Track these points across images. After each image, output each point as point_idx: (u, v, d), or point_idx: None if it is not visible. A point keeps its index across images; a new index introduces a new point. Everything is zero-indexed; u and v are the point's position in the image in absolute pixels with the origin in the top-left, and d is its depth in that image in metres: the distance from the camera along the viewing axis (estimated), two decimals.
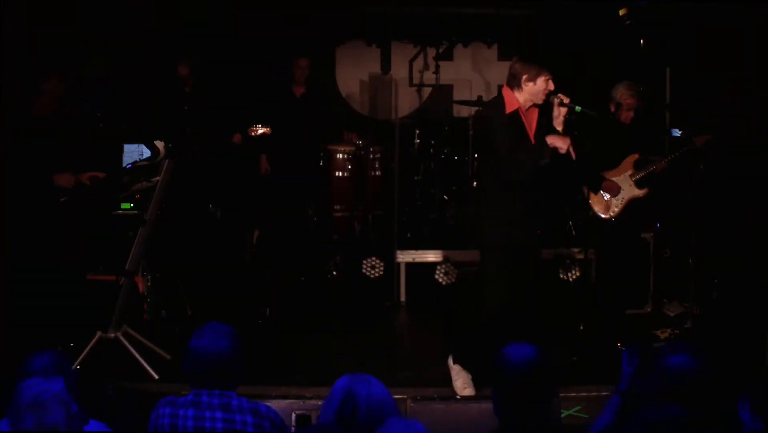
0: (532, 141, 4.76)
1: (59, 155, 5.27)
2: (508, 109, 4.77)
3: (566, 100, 4.70)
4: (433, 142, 7.96)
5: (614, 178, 5.55)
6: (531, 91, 4.76)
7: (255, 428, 3.00)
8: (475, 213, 5.15)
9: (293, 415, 4.08)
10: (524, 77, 4.74)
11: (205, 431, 2.96)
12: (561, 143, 4.64)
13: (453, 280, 6.79)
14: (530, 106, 4.81)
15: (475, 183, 7.56)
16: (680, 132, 6.05)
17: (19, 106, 5.32)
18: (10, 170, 5.12)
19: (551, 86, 4.76)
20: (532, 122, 4.82)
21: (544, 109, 4.84)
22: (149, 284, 6.03)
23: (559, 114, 4.74)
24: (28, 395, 2.62)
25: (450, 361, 4.83)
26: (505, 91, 4.82)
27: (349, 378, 2.77)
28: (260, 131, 6.91)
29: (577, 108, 4.69)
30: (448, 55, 8.79)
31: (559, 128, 4.74)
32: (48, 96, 5.31)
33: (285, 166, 7.38)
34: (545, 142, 4.65)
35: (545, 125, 4.80)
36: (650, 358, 3.10)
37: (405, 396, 4.38)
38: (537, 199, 4.84)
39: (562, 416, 4.51)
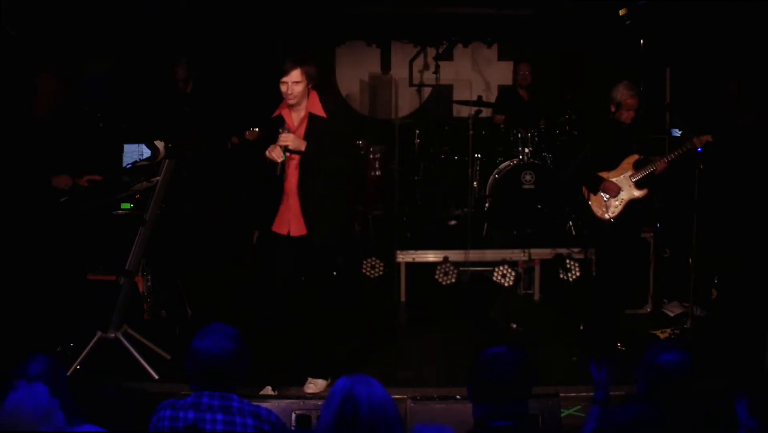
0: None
1: (57, 155, 5.26)
2: (276, 112, 4.74)
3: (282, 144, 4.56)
4: (433, 142, 7.96)
5: (614, 179, 5.55)
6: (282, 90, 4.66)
7: (255, 431, 2.99)
8: None
9: (293, 415, 4.07)
10: None
11: None
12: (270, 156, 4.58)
13: (453, 280, 6.79)
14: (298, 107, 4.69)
15: (475, 183, 7.57)
16: (680, 132, 6.05)
17: (18, 106, 5.31)
18: (9, 170, 5.12)
19: (283, 88, 4.60)
20: (295, 124, 4.69)
21: None
22: (149, 284, 6.03)
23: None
24: (28, 404, 2.60)
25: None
26: None
27: (348, 379, 2.76)
28: (256, 134, 6.94)
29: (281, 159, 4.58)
30: (448, 55, 8.80)
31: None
32: (42, 94, 5.30)
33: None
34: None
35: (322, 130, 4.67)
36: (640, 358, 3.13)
37: (405, 396, 4.38)
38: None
39: (562, 415, 4.51)
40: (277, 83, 4.66)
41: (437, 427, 2.58)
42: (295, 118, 4.72)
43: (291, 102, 4.64)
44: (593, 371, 3.47)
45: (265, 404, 3.20)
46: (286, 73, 4.57)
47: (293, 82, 4.57)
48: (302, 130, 4.67)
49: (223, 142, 6.89)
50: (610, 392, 3.45)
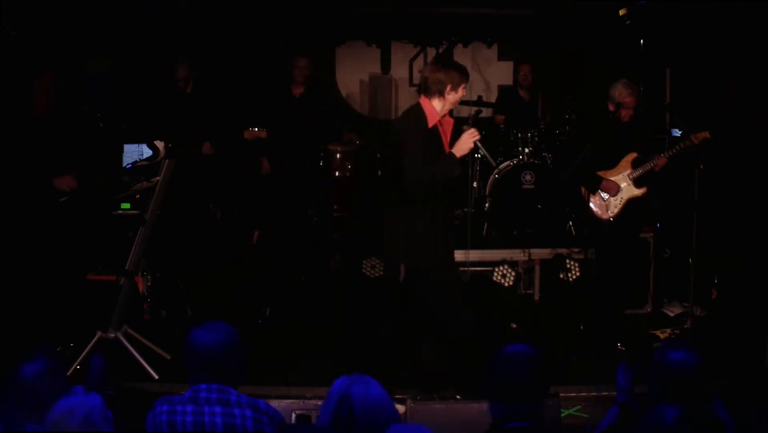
0: (447, 152, 4.56)
1: (57, 155, 5.25)
2: (430, 123, 4.55)
3: (478, 138, 4.51)
4: None
5: (613, 178, 5.55)
6: (452, 100, 4.55)
7: (254, 423, 2.99)
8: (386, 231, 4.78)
9: (293, 415, 4.07)
10: (449, 86, 4.51)
11: (204, 426, 2.95)
12: (468, 145, 4.51)
13: None
14: (444, 115, 4.62)
15: (475, 183, 7.57)
16: (680, 132, 6.06)
17: (18, 106, 5.31)
18: (9, 170, 5.12)
19: (463, 93, 4.60)
20: (448, 132, 4.64)
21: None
22: (149, 284, 6.04)
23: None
24: (79, 415, 2.62)
25: None
26: (424, 102, 4.58)
27: (347, 379, 2.76)
28: (255, 134, 6.95)
29: (479, 152, 4.57)
30: (448, 55, 8.80)
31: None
32: (42, 94, 5.29)
33: (285, 167, 7.38)
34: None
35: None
36: (649, 358, 3.12)
37: (405, 396, 4.38)
38: (448, 210, 4.69)
39: (562, 415, 4.51)
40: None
41: (413, 427, 2.55)
42: (446, 124, 4.66)
43: (452, 108, 4.63)
44: (620, 374, 3.45)
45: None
46: (466, 82, 4.58)
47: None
48: (450, 134, 4.66)
49: (196, 149, 6.89)
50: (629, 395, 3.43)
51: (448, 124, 4.67)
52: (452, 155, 4.50)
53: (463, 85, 4.56)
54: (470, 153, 4.67)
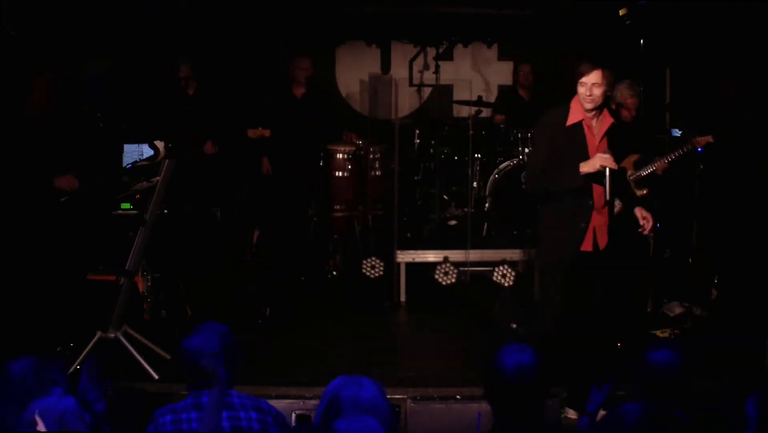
0: (591, 155, 4.39)
1: (57, 155, 5.25)
2: (570, 120, 4.47)
3: (610, 165, 4.34)
4: (433, 142, 7.96)
5: None
6: (580, 95, 4.42)
7: (260, 424, 3.00)
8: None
9: (293, 415, 4.08)
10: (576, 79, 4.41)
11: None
12: (595, 167, 4.35)
13: (453, 280, 6.79)
14: (598, 115, 4.46)
15: (475, 183, 7.57)
16: (680, 132, 6.05)
17: (18, 106, 5.31)
18: (9, 170, 5.12)
19: (581, 90, 4.42)
20: (600, 131, 4.47)
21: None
22: (149, 284, 6.03)
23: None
24: (50, 419, 2.61)
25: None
26: (574, 100, 4.50)
27: (341, 380, 2.75)
28: (259, 132, 6.96)
29: (604, 181, 4.37)
30: (448, 55, 8.81)
31: None
32: (42, 94, 5.29)
33: (285, 167, 7.39)
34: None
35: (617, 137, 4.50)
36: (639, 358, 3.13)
37: (405, 396, 4.38)
38: (584, 211, 4.59)
39: (561, 416, 4.52)
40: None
41: (360, 418, 2.52)
42: (596, 127, 4.50)
43: (589, 106, 4.41)
44: (593, 389, 3.44)
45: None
46: (584, 74, 4.38)
47: (593, 84, 4.37)
48: (605, 142, 4.49)
49: (198, 148, 6.89)
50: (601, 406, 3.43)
51: (603, 123, 4.50)
52: (576, 167, 4.37)
53: (581, 79, 4.39)
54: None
